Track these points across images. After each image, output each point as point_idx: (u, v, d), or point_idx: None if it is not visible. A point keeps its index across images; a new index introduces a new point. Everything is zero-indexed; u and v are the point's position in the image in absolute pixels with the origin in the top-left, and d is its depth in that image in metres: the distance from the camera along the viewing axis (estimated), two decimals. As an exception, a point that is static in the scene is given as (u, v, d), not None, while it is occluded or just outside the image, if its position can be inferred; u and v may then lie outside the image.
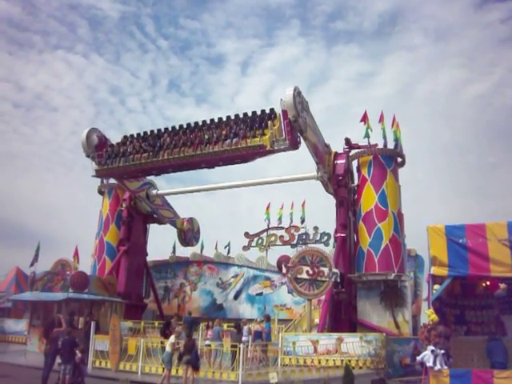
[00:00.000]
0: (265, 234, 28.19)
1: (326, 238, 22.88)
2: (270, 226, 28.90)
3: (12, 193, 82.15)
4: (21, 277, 34.62)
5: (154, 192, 29.92)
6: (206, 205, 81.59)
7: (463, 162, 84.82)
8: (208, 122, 24.43)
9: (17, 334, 28.43)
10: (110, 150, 26.43)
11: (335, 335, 18.39)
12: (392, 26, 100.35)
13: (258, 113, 23.06)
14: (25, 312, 29.35)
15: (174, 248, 35.77)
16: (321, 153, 23.36)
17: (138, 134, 26.57)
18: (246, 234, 28.39)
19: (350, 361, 16.90)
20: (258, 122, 22.44)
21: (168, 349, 16.05)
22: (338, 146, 25.44)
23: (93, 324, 20.33)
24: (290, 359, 18.02)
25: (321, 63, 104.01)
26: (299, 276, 20.52)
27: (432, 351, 11.46)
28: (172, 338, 16.31)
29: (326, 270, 20.16)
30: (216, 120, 24.26)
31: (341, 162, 24.48)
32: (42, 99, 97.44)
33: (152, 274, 31.94)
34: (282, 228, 27.92)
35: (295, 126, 21.08)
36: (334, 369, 16.89)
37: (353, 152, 24.99)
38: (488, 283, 13.26)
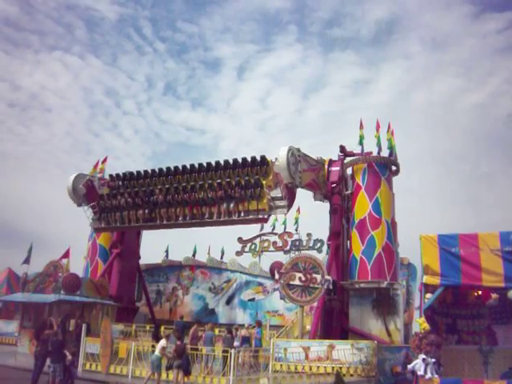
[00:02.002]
0: (258, 239, 28.12)
1: (319, 244, 22.84)
2: (264, 231, 28.87)
3: (6, 193, 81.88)
4: (12, 278, 34.51)
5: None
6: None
7: (459, 171, 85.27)
8: (197, 166, 24.32)
9: (7, 336, 28.28)
10: (102, 203, 26.23)
11: (327, 342, 18.38)
12: (389, 34, 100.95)
13: (249, 159, 23.13)
14: (16, 313, 29.21)
15: (167, 252, 35.74)
16: (316, 182, 23.70)
17: (125, 175, 26.46)
18: (239, 240, 28.26)
19: (341, 368, 16.91)
20: (254, 184, 22.34)
21: (158, 352, 16.04)
22: (332, 153, 25.60)
23: (84, 326, 20.26)
24: (281, 365, 17.99)
25: (317, 69, 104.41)
26: (292, 282, 20.53)
27: (423, 360, 11.50)
28: (162, 342, 16.29)
29: (318, 276, 20.17)
30: (205, 165, 24.13)
31: (335, 169, 24.56)
32: (38, 99, 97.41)
33: (144, 278, 31.87)
34: (275, 234, 27.85)
35: (292, 186, 21.64)
36: (324, 376, 16.89)
37: (347, 159, 25.03)
38: (480, 293, 13.31)
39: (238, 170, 23.20)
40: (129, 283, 29.61)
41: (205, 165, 24.15)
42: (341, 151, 25.48)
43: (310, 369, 17.61)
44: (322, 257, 23.21)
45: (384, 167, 23.73)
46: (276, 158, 21.34)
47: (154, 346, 18.43)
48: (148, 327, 25.00)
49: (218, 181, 23.34)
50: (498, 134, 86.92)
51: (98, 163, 31.65)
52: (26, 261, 29.44)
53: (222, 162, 23.69)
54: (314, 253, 22.18)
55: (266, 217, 22.11)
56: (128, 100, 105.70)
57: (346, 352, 17.49)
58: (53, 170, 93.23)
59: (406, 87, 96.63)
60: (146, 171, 25.92)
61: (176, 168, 24.94)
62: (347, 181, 25.26)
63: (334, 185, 24.14)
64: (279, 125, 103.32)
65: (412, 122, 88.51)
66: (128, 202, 25.20)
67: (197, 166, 24.39)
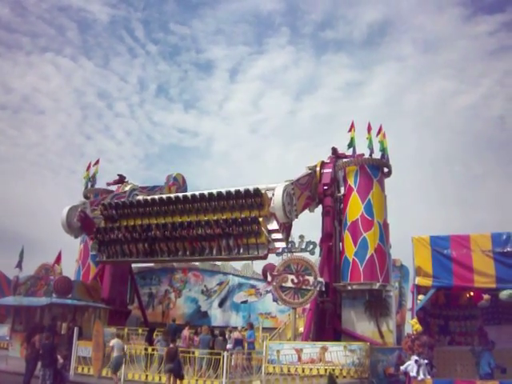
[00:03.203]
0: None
1: (311, 246, 22.80)
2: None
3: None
4: (3, 281, 34.26)
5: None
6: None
7: (450, 173, 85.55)
8: (189, 196, 24.02)
9: (-2, 339, 28.11)
10: (99, 236, 25.72)
11: (319, 344, 18.37)
12: (381, 36, 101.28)
13: (242, 191, 22.72)
14: (7, 317, 29.00)
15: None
16: (311, 197, 24.02)
17: (117, 204, 25.91)
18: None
19: (333, 370, 16.87)
20: (251, 221, 22.01)
21: (120, 353, 16.37)
22: (325, 155, 25.68)
23: (76, 330, 20.16)
24: (274, 367, 17.95)
25: (310, 72, 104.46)
26: (284, 284, 20.50)
27: (416, 361, 11.53)
28: (119, 341, 16.60)
29: (311, 278, 20.16)
30: (197, 195, 23.74)
31: (327, 171, 24.64)
32: (30, 102, 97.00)
33: (136, 281, 31.76)
34: (268, 236, 27.83)
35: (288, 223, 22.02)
36: (317, 378, 16.88)
37: (339, 161, 25.10)
38: (472, 294, 13.38)
39: (233, 202, 22.95)
40: (121, 286, 29.49)
41: (198, 195, 23.70)
42: (333, 153, 25.57)
43: (303, 371, 17.58)
44: (315, 259, 23.20)
45: (376, 169, 23.80)
46: (271, 198, 21.46)
47: (146, 349, 18.43)
48: (140, 330, 24.92)
49: (215, 218, 23.05)
50: (490, 135, 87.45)
51: (90, 166, 31.66)
52: (19, 265, 29.22)
53: (215, 193, 23.45)
54: (306, 255, 22.15)
55: (266, 253, 22.01)
56: (120, 102, 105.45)
57: (338, 354, 17.49)
58: (45, 172, 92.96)
59: (399, 89, 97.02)
60: (138, 201, 25.72)
61: (169, 198, 24.63)
62: (339, 183, 25.35)
63: (326, 187, 24.22)
64: (272, 127, 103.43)
65: (404, 123, 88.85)
66: (126, 237, 25.04)
67: (190, 196, 24.07)
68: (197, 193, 23.83)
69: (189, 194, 24.27)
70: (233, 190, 22.84)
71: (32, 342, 15.63)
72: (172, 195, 24.78)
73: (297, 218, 22.25)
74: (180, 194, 24.62)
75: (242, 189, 22.60)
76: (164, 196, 24.94)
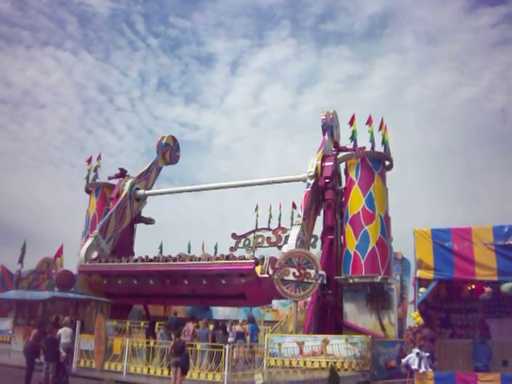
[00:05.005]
0: (252, 235, 28.10)
1: (313, 239, 22.90)
2: (258, 227, 28.81)
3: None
4: (6, 275, 34.35)
5: (141, 192, 29.90)
6: (194, 205, 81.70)
7: (451, 166, 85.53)
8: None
9: (1, 333, 28.20)
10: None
11: (321, 337, 18.40)
12: (382, 29, 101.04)
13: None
14: (9, 311, 29.07)
15: (161, 248, 35.61)
16: (316, 208, 24.73)
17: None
18: (233, 235, 28.26)
19: (335, 363, 16.91)
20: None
21: (66, 340, 16.69)
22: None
23: (78, 323, 20.19)
24: (275, 360, 17.97)
25: (311, 64, 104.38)
26: (286, 277, 20.49)
27: (417, 354, 11.55)
28: (62, 330, 16.76)
29: (312, 271, 20.15)
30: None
31: (328, 164, 24.61)
32: (30, 96, 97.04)
33: (138, 274, 31.78)
34: (269, 229, 27.87)
35: None
36: (319, 370, 16.89)
37: (341, 154, 25.09)
38: (473, 287, 13.37)
39: None
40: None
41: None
42: (334, 146, 25.53)
43: (305, 363, 17.61)
44: (316, 252, 23.25)
45: (377, 162, 23.75)
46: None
47: (148, 343, 18.45)
48: (142, 324, 24.95)
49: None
50: (492, 128, 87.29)
51: (91, 159, 31.70)
52: (20, 260, 29.31)
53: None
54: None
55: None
56: (121, 96, 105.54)
57: (340, 347, 17.52)
58: (46, 166, 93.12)
59: (400, 82, 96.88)
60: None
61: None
62: (340, 176, 25.35)
63: (327, 180, 24.19)
64: (273, 120, 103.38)
65: (405, 116, 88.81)
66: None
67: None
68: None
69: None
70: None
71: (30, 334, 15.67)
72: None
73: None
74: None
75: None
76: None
